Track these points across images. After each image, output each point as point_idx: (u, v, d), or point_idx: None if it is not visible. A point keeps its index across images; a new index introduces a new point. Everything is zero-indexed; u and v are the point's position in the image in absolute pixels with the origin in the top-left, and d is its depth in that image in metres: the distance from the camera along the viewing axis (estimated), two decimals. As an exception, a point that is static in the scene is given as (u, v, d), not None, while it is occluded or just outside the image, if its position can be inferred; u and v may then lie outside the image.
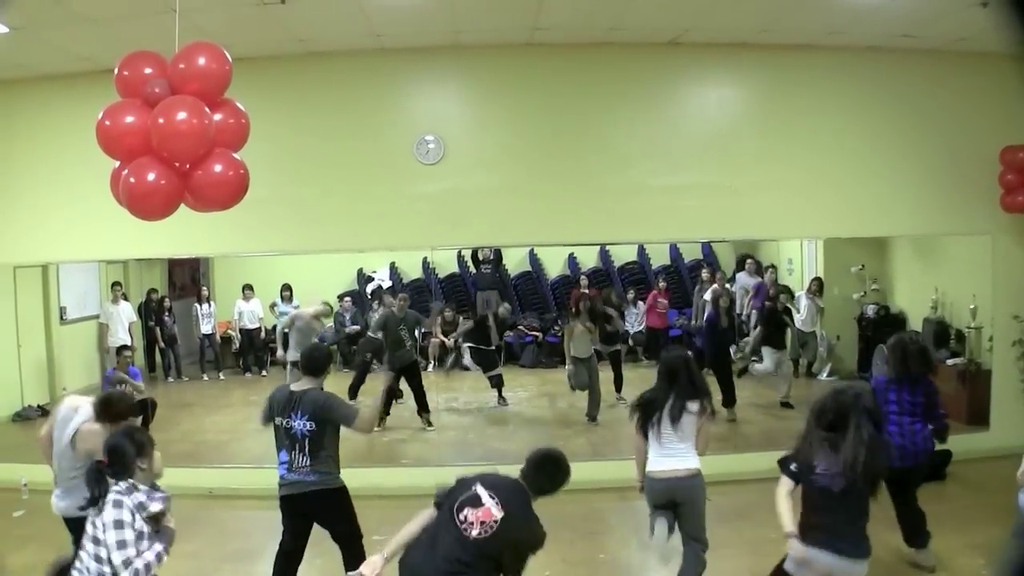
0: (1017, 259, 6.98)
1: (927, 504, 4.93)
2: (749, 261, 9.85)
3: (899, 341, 5.00)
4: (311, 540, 4.44)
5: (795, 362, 9.03)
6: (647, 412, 4.31)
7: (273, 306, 10.15)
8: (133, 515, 3.10)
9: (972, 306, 7.42)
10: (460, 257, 11.34)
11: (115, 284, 9.51)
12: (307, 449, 4.22)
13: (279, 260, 9.53)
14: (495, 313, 10.04)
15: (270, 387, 4.82)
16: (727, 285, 9.59)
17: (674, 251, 11.36)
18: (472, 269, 11.27)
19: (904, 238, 8.21)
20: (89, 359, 9.46)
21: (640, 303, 10.87)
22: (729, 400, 8.06)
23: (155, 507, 3.17)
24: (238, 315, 10.67)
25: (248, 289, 10.59)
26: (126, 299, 9.66)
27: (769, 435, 7.51)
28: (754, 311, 9.21)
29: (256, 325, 10.68)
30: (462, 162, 6.65)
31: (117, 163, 3.53)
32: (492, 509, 3.17)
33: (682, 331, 10.67)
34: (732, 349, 8.67)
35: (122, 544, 3.04)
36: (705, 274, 10.14)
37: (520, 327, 11.10)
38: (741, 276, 9.92)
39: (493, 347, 9.43)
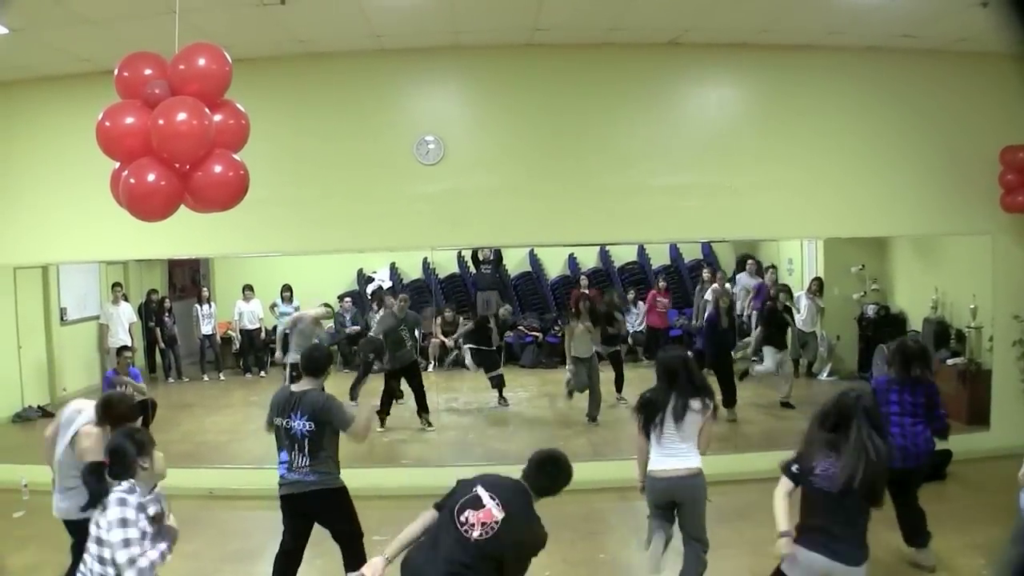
0: (1017, 259, 6.98)
1: (927, 504, 4.94)
2: (750, 262, 9.86)
3: (901, 345, 5.04)
4: (311, 540, 4.45)
5: (795, 362, 9.04)
6: (649, 412, 4.31)
7: (273, 307, 10.14)
8: (137, 514, 3.10)
9: (972, 306, 7.42)
10: (460, 257, 11.32)
11: (115, 285, 9.51)
12: (307, 449, 4.23)
13: (279, 261, 9.52)
14: (496, 314, 10.03)
15: (270, 388, 4.83)
16: (727, 285, 9.59)
17: (674, 251, 11.35)
18: (472, 269, 11.26)
19: (904, 238, 8.22)
20: (89, 360, 9.46)
21: (640, 303, 10.89)
22: (730, 400, 8.05)
23: (152, 509, 3.17)
24: (238, 316, 10.66)
25: (248, 290, 10.58)
26: (126, 300, 9.65)
27: (769, 435, 7.53)
28: (755, 311, 9.22)
29: (256, 326, 10.67)
30: (462, 162, 6.65)
31: (117, 164, 3.53)
32: (493, 510, 3.17)
33: (683, 331, 10.68)
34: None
35: (127, 542, 3.03)
36: (706, 274, 10.15)
37: (520, 327, 11.09)
38: (742, 277, 9.93)
39: (494, 348, 9.43)
